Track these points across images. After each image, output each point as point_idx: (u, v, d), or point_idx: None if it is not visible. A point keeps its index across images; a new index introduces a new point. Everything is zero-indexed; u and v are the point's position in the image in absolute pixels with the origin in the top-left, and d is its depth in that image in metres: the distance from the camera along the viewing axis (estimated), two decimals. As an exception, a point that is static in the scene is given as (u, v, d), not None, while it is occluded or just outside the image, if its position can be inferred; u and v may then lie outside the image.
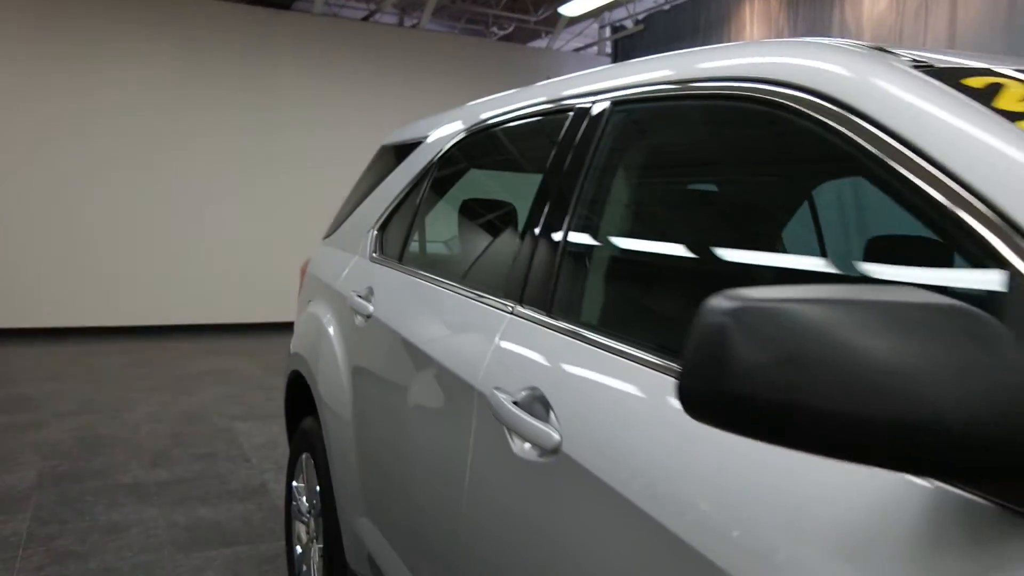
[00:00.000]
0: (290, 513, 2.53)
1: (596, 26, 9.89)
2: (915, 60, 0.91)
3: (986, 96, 0.80)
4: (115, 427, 4.48)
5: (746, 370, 0.59)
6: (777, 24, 7.24)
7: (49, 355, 6.47)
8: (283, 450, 3.84)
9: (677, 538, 0.85)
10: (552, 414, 1.12)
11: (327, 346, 2.16)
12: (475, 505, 1.28)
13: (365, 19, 8.92)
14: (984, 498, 0.63)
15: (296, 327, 2.57)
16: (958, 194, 0.74)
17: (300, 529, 2.44)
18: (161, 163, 7.48)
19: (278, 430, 4.27)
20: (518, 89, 1.80)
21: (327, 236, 2.73)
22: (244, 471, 3.81)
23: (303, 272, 2.74)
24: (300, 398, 2.47)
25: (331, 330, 2.19)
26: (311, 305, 2.47)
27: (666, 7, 8.59)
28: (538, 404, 1.16)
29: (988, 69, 0.89)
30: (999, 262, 0.69)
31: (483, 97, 1.95)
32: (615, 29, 9.51)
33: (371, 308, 1.93)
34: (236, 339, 7.43)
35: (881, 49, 0.95)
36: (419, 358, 1.58)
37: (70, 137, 7.15)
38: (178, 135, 7.52)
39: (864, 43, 0.98)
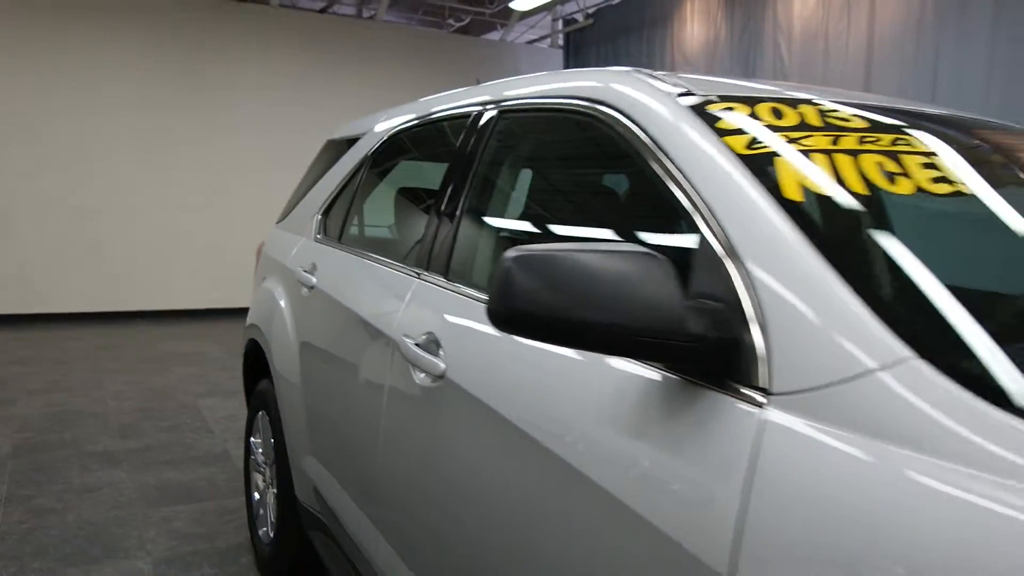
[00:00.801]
0: (248, 466, 2.87)
1: (549, 19, 10.22)
2: (680, 86, 1.28)
3: (713, 118, 1.17)
4: (84, 403, 4.75)
5: (524, 294, 0.94)
6: (715, 20, 7.66)
7: (16, 340, 6.66)
8: (244, 423, 4.15)
9: (511, 423, 1.22)
10: (441, 351, 1.48)
11: (279, 315, 2.49)
12: (388, 426, 1.64)
13: (323, 11, 9.13)
14: (674, 374, 1.00)
15: (252, 301, 2.89)
16: (680, 183, 1.11)
17: (257, 478, 2.77)
18: (126, 155, 7.65)
19: (239, 405, 4.57)
20: (434, 96, 2.14)
21: (280, 221, 3.05)
22: (208, 440, 4.11)
23: (258, 253, 3.06)
24: (256, 364, 2.79)
25: (282, 302, 2.52)
26: (265, 281, 2.80)
27: (614, 2, 8.95)
28: (432, 344, 1.51)
29: (734, 96, 1.26)
30: (692, 227, 1.06)
31: (435, 89, 2.28)
32: (567, 22, 9.85)
33: (314, 280, 2.27)
34: (201, 324, 7.66)
35: (656, 78, 1.32)
36: (350, 318, 1.93)
37: (30, 131, 7.29)
38: (139, 127, 7.69)
39: (648, 72, 1.35)
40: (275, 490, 2.55)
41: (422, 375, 1.51)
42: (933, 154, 1.17)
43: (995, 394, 0.75)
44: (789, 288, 0.91)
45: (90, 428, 4.26)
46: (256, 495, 2.78)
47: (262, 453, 2.72)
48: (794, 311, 0.89)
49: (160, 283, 7.86)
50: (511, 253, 0.97)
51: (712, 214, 1.04)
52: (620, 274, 0.93)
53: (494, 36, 10.34)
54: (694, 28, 7.96)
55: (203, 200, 7.97)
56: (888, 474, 0.74)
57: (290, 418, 2.33)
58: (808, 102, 1.28)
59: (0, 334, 6.86)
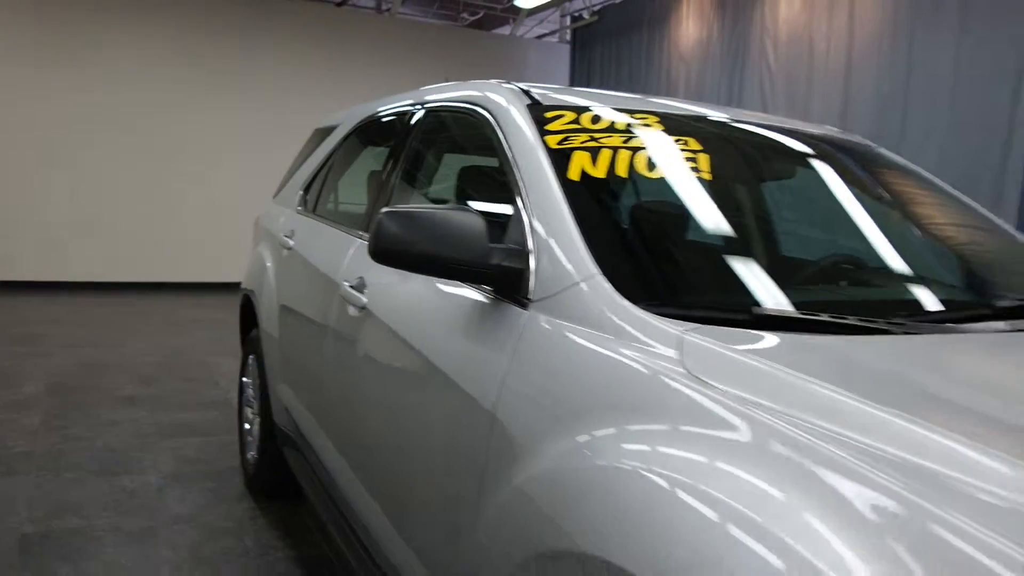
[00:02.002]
0: (241, 402, 3.41)
1: (558, 15, 10.64)
2: (530, 97, 1.76)
3: (542, 120, 1.65)
4: (111, 357, 5.35)
5: (389, 236, 1.44)
6: (708, 20, 8.04)
7: (48, 305, 7.30)
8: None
9: (398, 333, 1.72)
10: (365, 290, 1.98)
11: (265, 273, 3.02)
12: (331, 349, 2.15)
13: (340, 4, 9.65)
14: (493, 296, 1.49)
15: (248, 264, 3.42)
16: (513, 165, 1.59)
17: (248, 412, 3.31)
18: (159, 133, 8.26)
19: (247, 362, 5.13)
20: (393, 95, 2.64)
21: (275, 196, 3.57)
22: (215, 391, 4.67)
23: (256, 224, 3.59)
24: (248, 316, 3.32)
25: (268, 263, 3.05)
26: (259, 247, 3.32)
27: (618, 0, 9.35)
28: (361, 285, 2.01)
29: (569, 106, 1.74)
30: (516, 196, 1.55)
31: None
32: (574, 19, 10.26)
33: (292, 243, 2.79)
34: (223, 295, 8.26)
35: (522, 89, 1.80)
36: (312, 271, 2.44)
37: (58, 100, 7.92)
38: (175, 107, 8.29)
39: (515, 84, 1.83)
40: (260, 419, 3.08)
41: (352, 308, 2.02)
42: (694, 148, 1.64)
43: (632, 295, 1.24)
44: (551, 235, 1.40)
45: (115, 377, 4.85)
46: (247, 425, 3.32)
47: (251, 389, 3.26)
48: (550, 249, 1.38)
49: (184, 256, 8.47)
50: (383, 210, 1.46)
51: (525, 187, 1.53)
52: (450, 225, 1.42)
53: (505, 31, 10.79)
54: (689, 27, 8.35)
55: (233, 178, 8.53)
56: (578, 342, 1.22)
57: (270, 355, 2.86)
58: (628, 111, 1.76)
59: (33, 299, 7.52)
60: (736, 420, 0.94)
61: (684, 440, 0.97)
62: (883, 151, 2.14)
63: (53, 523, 2.81)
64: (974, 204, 2.00)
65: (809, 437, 0.87)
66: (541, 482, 1.12)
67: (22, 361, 5.10)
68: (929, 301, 1.50)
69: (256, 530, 2.86)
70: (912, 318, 1.29)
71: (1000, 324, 1.31)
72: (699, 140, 1.69)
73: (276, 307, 2.83)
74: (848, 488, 0.79)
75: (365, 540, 1.89)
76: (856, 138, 2.20)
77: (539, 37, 10.98)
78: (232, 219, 8.49)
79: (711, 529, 0.84)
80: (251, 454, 3.21)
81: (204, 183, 8.47)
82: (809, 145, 1.92)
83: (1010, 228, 1.95)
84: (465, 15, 10.73)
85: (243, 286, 3.38)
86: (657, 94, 8.87)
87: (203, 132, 8.47)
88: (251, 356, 3.25)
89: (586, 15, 9.88)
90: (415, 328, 1.66)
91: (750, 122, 1.96)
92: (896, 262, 1.59)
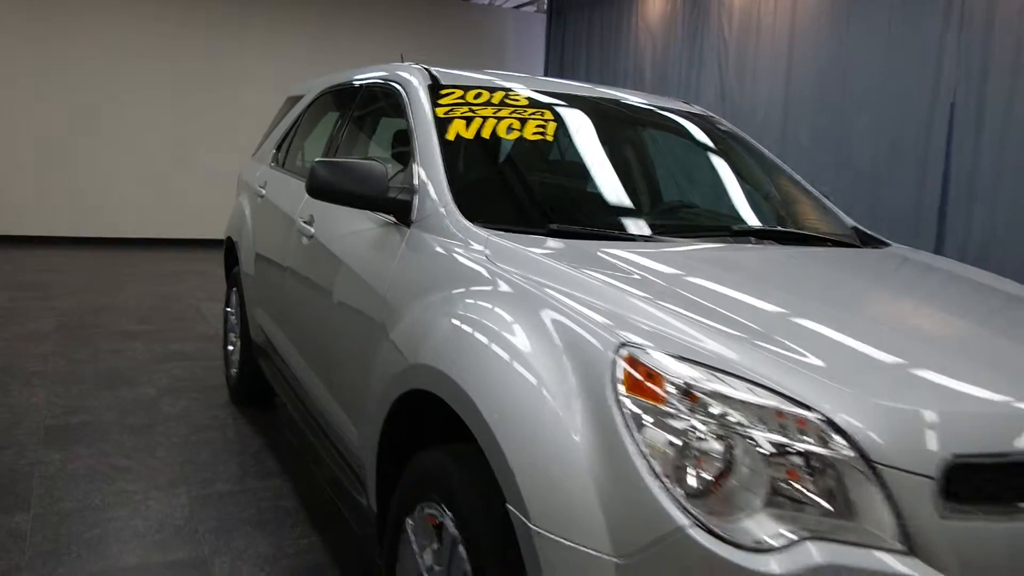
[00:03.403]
0: (226, 327, 4.03)
1: (535, -15, 11.07)
2: (432, 76, 2.35)
3: (437, 95, 2.24)
4: (109, 301, 5.95)
5: (321, 178, 2.04)
6: (670, -4, 8.54)
7: (48, 257, 7.88)
8: (233, 317, 5.31)
9: (332, 252, 2.33)
10: (314, 224, 2.59)
11: (244, 218, 3.62)
12: (291, 272, 2.76)
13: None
14: (391, 220, 2.10)
15: (232, 210, 4.01)
16: (413, 129, 2.19)
17: (231, 336, 3.94)
18: (154, 94, 8.75)
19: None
20: (349, 69, 3.21)
21: (254, 154, 4.15)
22: (204, 327, 5.30)
23: (239, 178, 4.17)
24: (231, 256, 3.93)
25: (246, 210, 3.65)
26: (239, 197, 3.92)
27: (590, -28, 9.80)
28: (311, 220, 2.62)
29: (460, 85, 2.33)
30: (412, 152, 2.15)
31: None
32: (550, -11, 10.70)
33: (264, 192, 3.38)
34: (208, 250, 8.83)
35: (428, 71, 2.39)
36: (278, 212, 3.05)
37: (48, 61, 8.40)
38: (153, 66, 8.76)
39: (422, 66, 2.42)
40: (240, 340, 3.71)
41: (304, 238, 2.63)
42: (547, 118, 2.25)
43: (471, 216, 1.85)
44: (428, 179, 2.01)
45: (114, 316, 5.46)
46: (230, 348, 3.95)
47: (233, 317, 3.88)
48: (426, 188, 1.99)
49: (173, 214, 9.02)
50: (316, 160, 2.07)
51: (417, 145, 2.14)
52: (362, 171, 2.03)
53: (483, 0, 11.22)
54: (656, 1, 8.86)
55: (218, 139, 9.03)
56: (434, 246, 1.84)
57: (247, 286, 3.47)
58: (506, 89, 2.35)
59: (32, 251, 8.09)
60: (505, 284, 1.57)
61: (476, 296, 1.60)
62: (720, 121, 2.75)
63: (69, 418, 3.45)
64: (783, 165, 2.62)
65: (542, 291, 1.50)
66: (404, 331, 1.75)
67: (29, 303, 5.70)
68: (679, 223, 2.15)
69: (236, 426, 3.51)
70: (662, 233, 1.93)
71: (729, 240, 1.94)
72: (553, 112, 2.30)
73: (252, 244, 3.44)
74: (552, 315, 1.42)
75: (315, 413, 2.52)
76: (696, 108, 2.82)
77: (517, 7, 11.42)
78: (215, 179, 9.03)
79: (484, 339, 1.48)
80: (233, 370, 3.85)
81: (190, 146, 8.97)
82: (650, 114, 2.53)
83: (805, 183, 2.58)
84: (446, -16, 11.13)
85: (226, 232, 3.98)
86: (625, 64, 9.43)
87: (189, 92, 8.95)
88: (233, 289, 3.86)
89: (560, -14, 10.33)
90: (343, 247, 2.28)
91: (609, 98, 2.57)
92: (678, 196, 2.24)
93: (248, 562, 2.36)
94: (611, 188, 2.25)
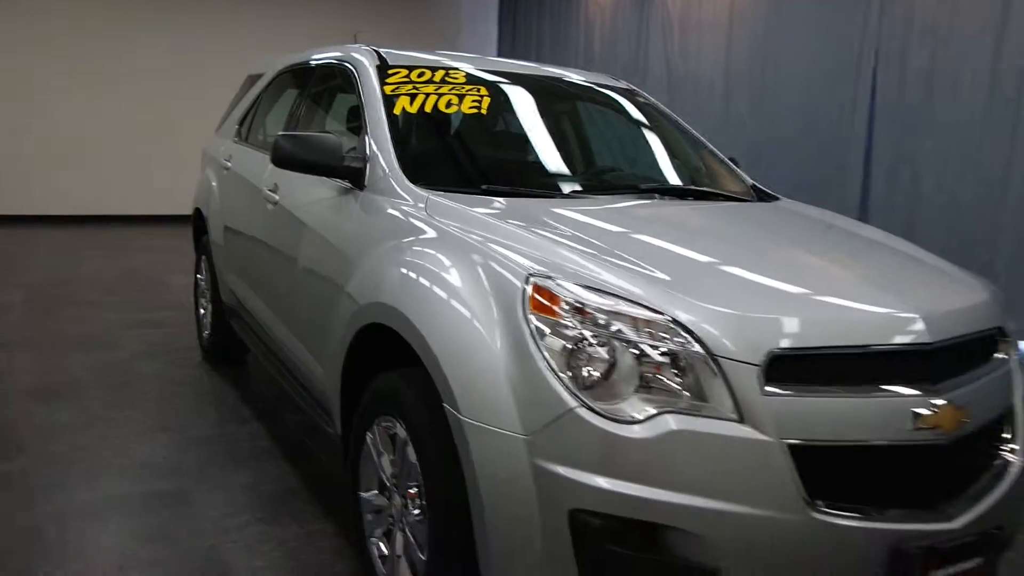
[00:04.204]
0: (197, 293, 4.30)
1: (486, -40, 11.24)
2: (382, 57, 2.65)
3: (384, 75, 2.55)
4: (75, 274, 6.13)
5: (287, 149, 2.34)
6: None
7: (8, 235, 7.94)
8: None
9: (295, 216, 2.63)
10: (279, 191, 2.88)
11: (211, 189, 3.87)
12: (259, 236, 3.05)
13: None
14: (347, 185, 2.40)
15: (198, 183, 4.26)
16: (363, 105, 2.49)
17: (202, 300, 4.21)
18: (119, 75, 8.78)
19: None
20: (307, 50, 3.47)
21: (217, 130, 4.39)
22: (171, 297, 5.53)
23: (203, 153, 4.40)
24: (199, 226, 4.18)
25: (213, 182, 3.90)
26: (205, 171, 4.16)
27: (539, -52, 10.02)
28: (276, 188, 2.91)
29: (406, 65, 2.63)
30: (363, 126, 2.46)
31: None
32: (501, -36, 10.89)
33: (230, 165, 3.64)
34: (176, 227, 8.96)
35: (377, 52, 2.68)
36: (244, 183, 3.32)
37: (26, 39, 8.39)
38: (126, 51, 8.79)
39: (372, 48, 2.71)
40: (211, 304, 3.98)
41: (270, 204, 2.92)
42: (482, 93, 2.57)
43: (414, 179, 2.18)
44: (378, 149, 2.32)
45: (81, 288, 5.66)
46: (201, 311, 4.21)
47: (203, 283, 4.14)
48: (376, 157, 2.31)
49: (137, 190, 9.09)
50: (278, 133, 2.36)
51: (367, 119, 2.44)
52: (319, 142, 2.33)
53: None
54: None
55: (183, 113, 9.08)
56: (382, 205, 2.16)
57: (217, 251, 3.74)
58: (447, 69, 2.66)
59: (-2, 227, 8.15)
60: (440, 233, 1.91)
61: (418, 244, 1.94)
62: (640, 93, 3.11)
63: (49, 378, 3.70)
64: (696, 133, 2.99)
65: (470, 238, 1.84)
66: (358, 281, 2.08)
67: (-5, 277, 5.85)
68: (594, 183, 2.53)
69: (210, 381, 3.81)
70: (578, 191, 2.28)
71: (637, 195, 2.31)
72: (488, 87, 2.62)
73: (220, 214, 3.70)
74: (478, 256, 1.76)
75: (285, 360, 2.84)
76: (622, 83, 3.17)
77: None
78: (178, 155, 9.12)
79: (425, 279, 1.81)
80: (206, 332, 4.12)
81: (152, 122, 9.03)
82: (576, 88, 2.88)
83: (713, 148, 2.95)
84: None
85: (194, 203, 4.22)
86: (576, 39, 9.72)
87: (150, 76, 8.99)
88: (203, 257, 4.12)
89: (511, -39, 10.53)
90: (306, 211, 2.59)
91: (540, 74, 2.90)
92: (598, 159, 2.62)
93: (226, 491, 2.68)
94: (536, 153, 2.60)
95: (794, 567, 1.49)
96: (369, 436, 2.02)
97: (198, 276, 4.26)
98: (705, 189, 2.64)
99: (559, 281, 1.61)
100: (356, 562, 2.20)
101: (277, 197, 2.86)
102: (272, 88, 3.69)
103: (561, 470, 1.48)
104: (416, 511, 1.80)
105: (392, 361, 1.97)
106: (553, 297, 1.58)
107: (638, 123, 2.96)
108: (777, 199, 2.73)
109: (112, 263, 6.69)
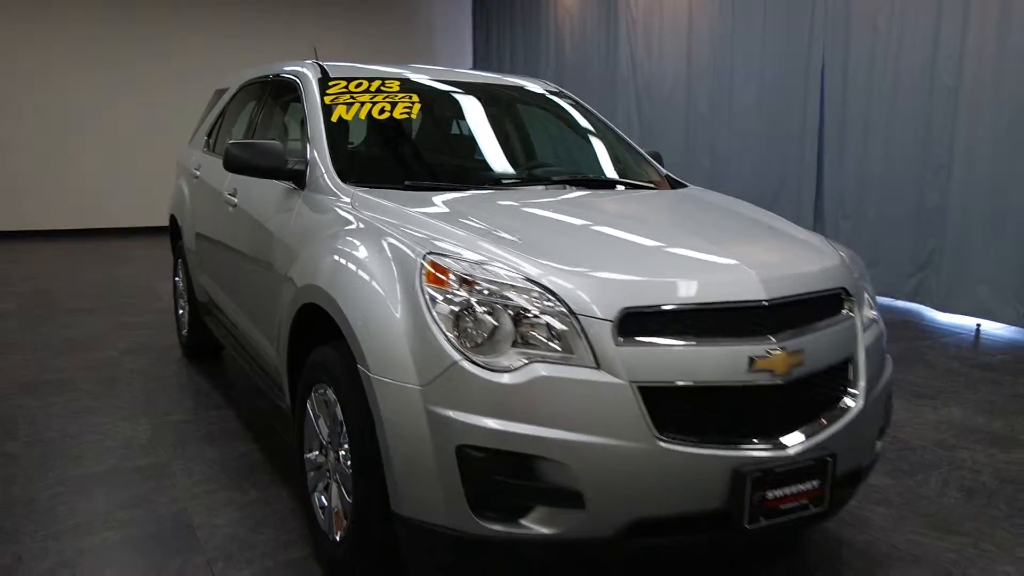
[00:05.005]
0: (176, 295, 4.60)
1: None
2: (324, 71, 2.95)
3: (325, 86, 2.85)
4: (67, 284, 6.44)
5: (236, 155, 2.63)
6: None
7: (3, 251, 8.26)
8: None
9: (250, 214, 2.93)
10: (237, 195, 3.18)
11: (184, 197, 4.18)
12: (222, 237, 3.35)
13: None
14: (291, 187, 2.70)
15: (173, 191, 4.56)
16: (307, 114, 2.79)
17: (180, 301, 4.51)
18: (104, 87, 9.10)
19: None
20: (265, 64, 3.77)
21: (190, 141, 4.69)
22: (158, 303, 5.83)
23: (177, 163, 4.71)
24: (175, 230, 4.48)
25: (185, 189, 4.21)
26: (179, 179, 4.47)
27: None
28: (235, 192, 3.21)
29: (346, 77, 2.93)
30: (306, 133, 2.76)
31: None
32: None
33: (199, 173, 3.95)
34: (155, 237, 9.27)
35: (320, 66, 2.98)
36: (211, 189, 3.62)
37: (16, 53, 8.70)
38: (110, 54, 9.10)
39: (316, 62, 3.01)
40: (188, 304, 4.28)
41: (230, 208, 3.22)
42: (414, 100, 2.87)
43: (344, 178, 2.48)
44: (316, 153, 2.62)
45: (72, 296, 5.96)
46: (181, 311, 4.52)
47: (182, 285, 4.45)
48: (315, 161, 2.60)
49: (127, 203, 9.41)
50: (229, 142, 2.66)
51: (310, 127, 2.74)
52: (265, 149, 2.63)
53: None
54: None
55: (167, 128, 9.38)
56: (319, 201, 2.46)
57: (190, 254, 4.05)
58: (383, 78, 2.96)
59: (-7, 243, 8.46)
60: (362, 223, 2.21)
61: (344, 234, 2.23)
62: (564, 93, 3.41)
63: (40, 376, 4.01)
64: (613, 127, 3.29)
65: (384, 225, 2.13)
66: (298, 268, 2.38)
67: (-8, 288, 6.16)
68: (509, 176, 2.85)
69: (189, 374, 4.11)
70: (494, 184, 2.58)
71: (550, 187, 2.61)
72: (420, 94, 2.92)
73: (192, 219, 4.01)
74: (389, 240, 2.06)
75: (248, 348, 3.13)
76: (550, 86, 3.47)
77: (445, -10, 11.88)
78: (167, 168, 9.42)
79: (346, 262, 2.11)
80: (184, 331, 4.42)
81: (138, 142, 9.35)
82: (503, 91, 3.18)
83: (629, 140, 3.25)
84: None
85: (169, 210, 4.53)
86: (547, 43, 10.01)
87: (136, 94, 9.31)
88: (179, 260, 4.42)
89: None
90: (259, 211, 2.89)
91: (469, 81, 3.20)
92: (516, 155, 2.93)
93: (200, 464, 2.97)
94: (456, 151, 2.91)
95: (646, 488, 1.78)
96: (309, 403, 2.31)
97: (176, 279, 4.56)
98: (613, 179, 2.94)
99: (449, 257, 1.90)
100: (304, 518, 2.49)
101: (236, 200, 3.16)
102: (235, 101, 3.99)
103: (450, 413, 1.77)
104: (347, 464, 2.09)
105: (326, 336, 2.27)
106: (444, 270, 1.88)
107: (559, 121, 3.27)
108: (684, 186, 3.03)
109: (104, 272, 7.00)
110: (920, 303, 5.91)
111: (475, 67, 11.43)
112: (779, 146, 7.03)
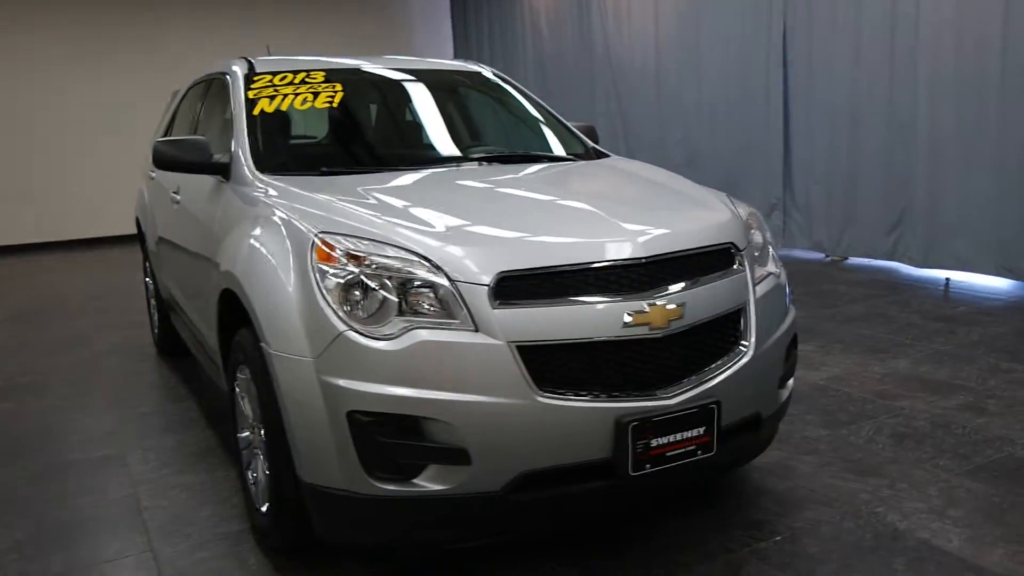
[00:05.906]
0: (148, 295, 4.74)
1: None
2: (251, 66, 3.04)
3: (250, 82, 2.94)
4: (63, 289, 6.64)
5: (161, 152, 2.74)
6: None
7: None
8: (167, 290, 6.00)
9: (188, 209, 3.04)
10: (180, 193, 3.29)
11: (145, 199, 4.31)
12: (172, 233, 3.47)
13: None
14: (219, 179, 2.80)
15: (137, 194, 4.70)
16: (233, 109, 2.89)
17: (152, 302, 4.65)
18: (91, 95, 9.28)
19: (167, 283, 6.42)
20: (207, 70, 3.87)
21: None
22: (142, 303, 5.98)
23: (142, 167, 4.84)
24: (141, 233, 4.62)
25: (146, 192, 4.34)
26: (142, 184, 4.60)
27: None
28: (178, 190, 3.32)
29: (273, 71, 3.02)
30: (232, 126, 2.86)
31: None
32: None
33: (154, 175, 4.07)
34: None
35: (248, 62, 3.08)
36: (163, 189, 3.74)
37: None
38: (91, 65, 9.27)
39: (248, 58, 3.10)
40: (155, 302, 4.42)
41: (175, 205, 3.34)
42: (337, 89, 2.95)
43: (262, 168, 2.59)
44: (238, 147, 2.72)
45: (67, 300, 6.15)
46: (152, 311, 4.66)
47: (152, 285, 4.59)
48: (239, 153, 2.70)
49: (119, 212, 9.59)
50: (156, 140, 2.77)
51: (234, 121, 2.84)
52: (191, 144, 2.74)
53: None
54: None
55: (147, 134, 9.58)
56: (240, 190, 2.56)
57: (152, 254, 4.18)
58: (308, 71, 3.04)
59: (-9, 258, 8.68)
60: (271, 209, 2.31)
61: (260, 219, 2.33)
62: (496, 74, 3.48)
63: (17, 379, 4.16)
64: (543, 103, 3.36)
65: (287, 210, 2.23)
66: (220, 255, 2.48)
67: (-16, 301, 6.36)
68: (422, 156, 2.96)
69: (159, 370, 4.26)
70: (409, 165, 2.68)
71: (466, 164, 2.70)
72: (344, 83, 3.01)
73: (152, 219, 4.13)
74: (290, 223, 2.15)
75: (198, 336, 3.25)
76: (483, 68, 3.54)
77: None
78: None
79: (254, 245, 2.21)
80: (155, 329, 4.57)
81: (120, 145, 9.52)
82: (430, 75, 3.27)
83: (558, 115, 3.32)
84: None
85: (135, 213, 4.67)
86: (523, 29, 10.02)
87: (124, 95, 9.48)
88: (147, 261, 4.56)
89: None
90: (194, 205, 3.01)
91: (397, 67, 3.29)
92: (437, 136, 3.03)
93: (157, 453, 3.11)
94: (375, 135, 3.02)
95: (529, 442, 1.87)
96: (236, 385, 2.43)
97: (147, 279, 4.70)
98: (532, 154, 3.01)
99: (340, 234, 2.00)
100: (243, 494, 2.61)
101: (179, 198, 3.27)
102: (185, 101, 4.11)
103: (340, 382, 1.87)
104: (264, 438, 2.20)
105: (246, 319, 2.37)
106: (332, 247, 1.97)
107: (492, 102, 3.34)
108: (607, 156, 3.10)
109: (99, 278, 7.19)
110: (899, 261, 5.92)
111: (456, 60, 11.48)
112: (746, 115, 7.03)
